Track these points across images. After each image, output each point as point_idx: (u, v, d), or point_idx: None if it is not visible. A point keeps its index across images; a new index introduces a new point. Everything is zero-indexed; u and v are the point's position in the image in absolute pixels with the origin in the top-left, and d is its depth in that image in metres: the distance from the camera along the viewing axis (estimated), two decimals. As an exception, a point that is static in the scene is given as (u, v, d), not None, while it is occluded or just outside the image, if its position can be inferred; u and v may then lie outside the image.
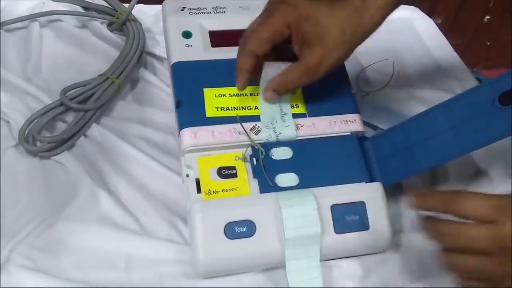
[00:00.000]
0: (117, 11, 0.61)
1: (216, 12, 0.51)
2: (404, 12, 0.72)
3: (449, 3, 1.46)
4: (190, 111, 0.45)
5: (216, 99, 0.46)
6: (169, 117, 0.52)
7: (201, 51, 0.49)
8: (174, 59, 0.48)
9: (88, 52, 0.59)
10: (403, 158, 0.45)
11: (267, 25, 0.43)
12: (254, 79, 0.46)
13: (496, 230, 0.35)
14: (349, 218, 0.43)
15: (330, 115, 0.47)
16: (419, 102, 0.58)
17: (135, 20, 0.60)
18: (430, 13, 1.45)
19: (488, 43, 1.58)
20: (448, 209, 0.37)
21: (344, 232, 0.42)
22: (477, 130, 0.41)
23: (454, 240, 0.36)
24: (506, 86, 0.40)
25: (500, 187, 0.51)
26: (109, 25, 0.62)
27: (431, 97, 0.59)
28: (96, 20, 0.62)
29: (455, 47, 1.68)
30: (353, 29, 0.43)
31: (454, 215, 0.37)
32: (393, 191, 0.49)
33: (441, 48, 0.68)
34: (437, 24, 1.57)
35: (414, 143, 0.44)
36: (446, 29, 1.51)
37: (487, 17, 1.51)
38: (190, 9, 0.51)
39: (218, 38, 0.49)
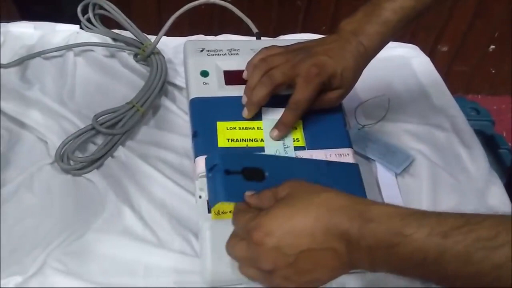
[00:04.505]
0: (143, 44, 0.68)
1: (231, 54, 0.58)
2: (402, 50, 0.78)
3: (455, 32, 1.52)
4: (204, 141, 0.52)
5: (227, 131, 0.52)
6: (186, 141, 0.58)
7: (216, 88, 0.55)
8: (192, 95, 0.55)
9: (116, 80, 0.66)
10: None
11: (293, 71, 0.51)
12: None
13: (247, 249, 0.40)
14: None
15: (326, 148, 0.53)
16: (409, 136, 0.64)
17: (159, 53, 0.67)
18: (436, 41, 1.53)
19: (493, 71, 1.63)
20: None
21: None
22: None
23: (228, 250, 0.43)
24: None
25: None
26: (135, 56, 0.69)
27: (421, 132, 0.65)
28: (124, 51, 0.69)
29: (461, 74, 1.74)
30: (359, 67, 0.54)
31: None
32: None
33: (435, 85, 0.73)
34: (443, 52, 1.63)
35: None
36: (452, 57, 1.58)
37: (492, 46, 1.57)
38: (208, 50, 0.58)
39: (231, 77, 0.56)
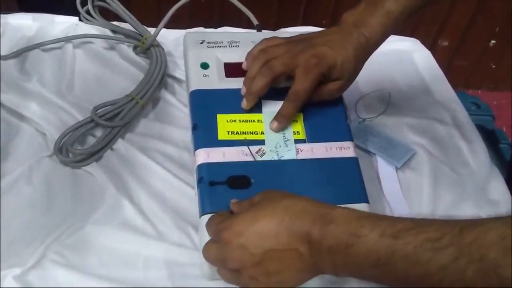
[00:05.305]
0: (142, 36, 0.67)
1: (231, 46, 0.58)
2: (403, 44, 0.77)
3: (456, 27, 1.51)
4: (204, 134, 0.51)
5: (227, 124, 0.52)
6: (185, 134, 0.58)
7: (216, 80, 0.55)
8: (192, 87, 0.54)
9: (115, 72, 0.65)
10: None
11: (293, 61, 0.51)
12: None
13: (217, 250, 0.42)
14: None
15: (327, 141, 0.53)
16: (410, 130, 0.64)
17: (158, 45, 0.67)
18: (437, 35, 1.52)
19: (493, 66, 1.63)
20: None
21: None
22: None
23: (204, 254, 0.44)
24: None
25: None
26: (135, 48, 0.68)
27: (422, 126, 0.65)
28: (123, 44, 0.68)
29: (461, 69, 1.73)
30: (360, 59, 0.53)
31: None
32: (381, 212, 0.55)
33: (436, 79, 0.73)
34: (444, 47, 1.62)
35: None
36: (453, 52, 1.57)
37: (493, 41, 1.56)
38: (209, 42, 0.57)
39: (232, 69, 0.56)
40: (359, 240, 0.36)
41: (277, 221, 0.39)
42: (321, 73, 0.51)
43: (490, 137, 1.07)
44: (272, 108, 0.53)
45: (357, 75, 0.55)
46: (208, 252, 0.43)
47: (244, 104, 0.53)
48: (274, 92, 0.53)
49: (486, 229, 0.33)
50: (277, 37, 0.55)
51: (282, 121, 0.52)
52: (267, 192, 0.44)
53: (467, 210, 0.57)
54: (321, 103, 0.54)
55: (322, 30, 0.56)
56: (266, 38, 0.55)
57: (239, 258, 0.40)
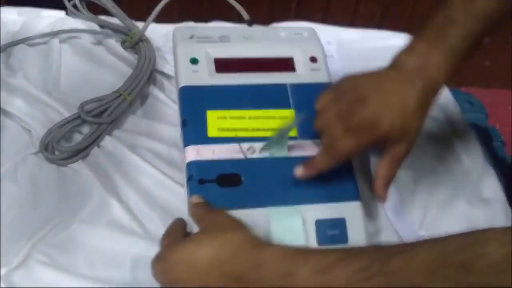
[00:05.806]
0: (130, 31, 0.66)
1: (221, 41, 0.57)
2: (396, 40, 0.76)
3: (449, 23, 1.51)
4: (194, 131, 0.50)
5: (217, 121, 0.51)
6: (174, 131, 0.57)
7: (206, 76, 0.54)
8: (182, 83, 0.53)
9: (102, 68, 0.64)
10: None
11: (359, 144, 0.47)
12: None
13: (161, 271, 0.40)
14: (330, 232, 0.48)
15: (318, 139, 0.52)
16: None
17: (147, 40, 0.65)
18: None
19: (487, 64, 1.62)
20: None
21: (326, 244, 0.47)
22: None
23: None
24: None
25: None
26: (123, 43, 0.67)
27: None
28: (111, 38, 0.67)
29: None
30: (424, 109, 0.48)
31: None
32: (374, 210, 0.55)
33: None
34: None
35: None
36: (445, 48, 1.57)
37: (487, 39, 1.56)
38: (198, 37, 0.56)
39: (222, 65, 0.55)
40: (292, 279, 0.36)
41: (211, 258, 0.38)
42: (372, 140, 0.47)
43: (483, 135, 1.07)
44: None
45: (421, 130, 0.48)
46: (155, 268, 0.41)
47: (300, 173, 0.48)
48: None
49: (413, 254, 0.33)
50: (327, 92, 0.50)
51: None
52: (213, 217, 0.43)
53: (460, 208, 0.56)
54: (312, 99, 0.53)
55: (377, 77, 0.49)
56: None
57: None
